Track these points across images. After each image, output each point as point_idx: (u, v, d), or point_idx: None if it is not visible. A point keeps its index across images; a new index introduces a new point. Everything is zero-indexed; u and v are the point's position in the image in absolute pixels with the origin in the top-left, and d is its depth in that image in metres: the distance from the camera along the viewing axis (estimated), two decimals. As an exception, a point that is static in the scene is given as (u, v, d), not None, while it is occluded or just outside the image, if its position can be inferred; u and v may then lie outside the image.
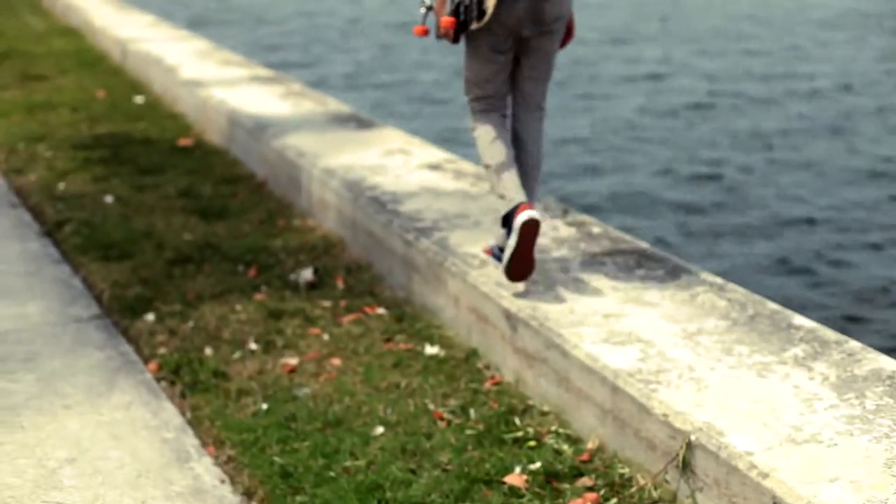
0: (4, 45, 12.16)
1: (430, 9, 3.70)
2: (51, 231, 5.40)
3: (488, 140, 3.83)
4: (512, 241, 3.65)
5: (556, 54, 3.91)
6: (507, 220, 3.73)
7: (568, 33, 3.93)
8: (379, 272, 4.74)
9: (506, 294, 3.82)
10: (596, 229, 4.54)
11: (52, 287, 4.68)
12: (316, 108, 6.92)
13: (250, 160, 6.40)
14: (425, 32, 3.69)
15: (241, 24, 25.66)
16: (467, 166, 5.52)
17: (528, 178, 3.88)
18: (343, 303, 4.47)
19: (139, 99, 8.70)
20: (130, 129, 7.54)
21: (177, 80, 8.30)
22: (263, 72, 8.51)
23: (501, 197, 3.76)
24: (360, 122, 6.50)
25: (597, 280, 3.94)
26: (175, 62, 8.95)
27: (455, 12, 3.63)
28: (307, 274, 4.68)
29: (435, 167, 5.47)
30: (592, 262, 4.14)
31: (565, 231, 4.50)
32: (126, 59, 10.37)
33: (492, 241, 4.10)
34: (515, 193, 3.72)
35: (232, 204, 5.73)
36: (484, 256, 4.13)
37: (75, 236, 5.24)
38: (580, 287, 3.87)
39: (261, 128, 6.34)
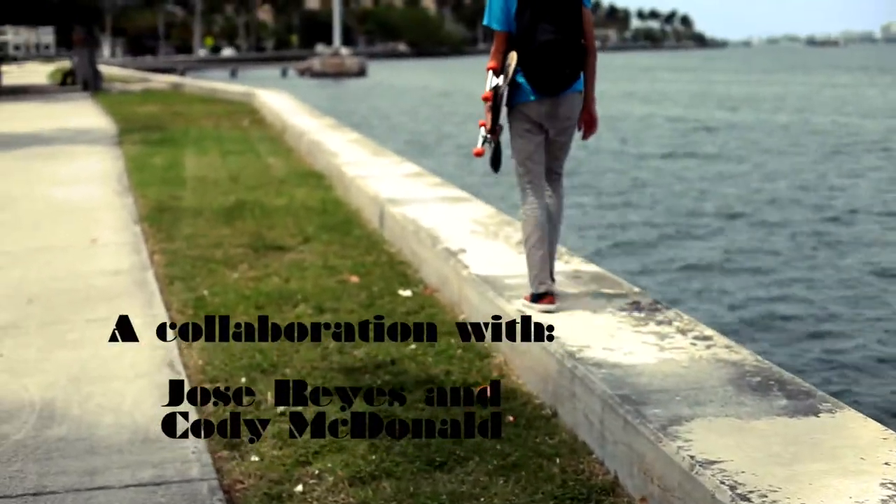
0: (239, 195, 10.17)
1: (487, 140, 4.90)
2: None
3: (532, 221, 5.03)
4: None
5: (570, 144, 5.18)
6: (535, 298, 5.01)
7: (591, 125, 5.20)
8: None
9: None
10: None
11: None
12: (719, 357, 4.28)
13: (608, 451, 3.80)
14: (482, 154, 4.91)
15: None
16: None
17: (554, 231, 5.12)
18: None
19: (406, 293, 6.31)
20: (401, 355, 5.09)
21: (461, 270, 5.86)
22: (584, 265, 5.97)
23: (531, 268, 5.02)
24: (775, 383, 3.80)
25: None
26: (456, 242, 6.54)
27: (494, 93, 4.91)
28: None
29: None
30: None
31: None
32: (384, 225, 8.09)
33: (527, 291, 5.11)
34: (541, 271, 4.99)
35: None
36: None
37: None
38: None
39: (633, 402, 3.74)
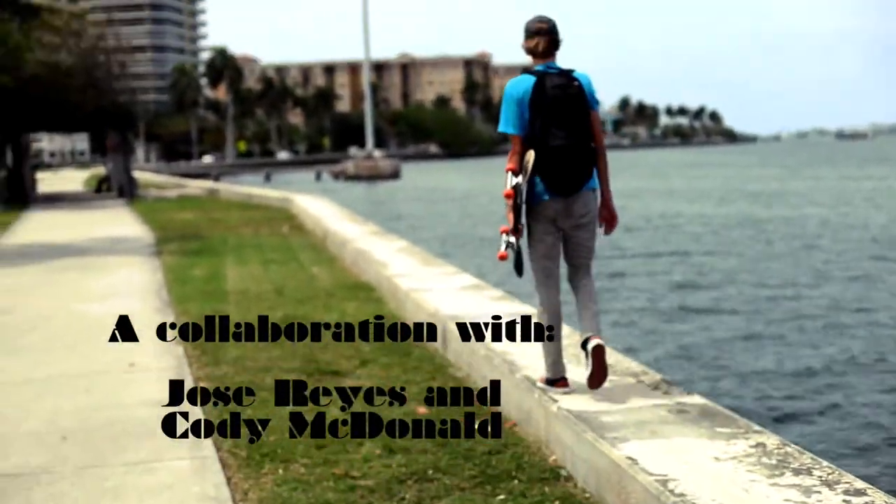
0: (286, 310, 9.57)
1: (510, 245, 5.21)
2: None
3: (548, 316, 5.42)
4: (590, 365, 5.16)
5: (594, 240, 5.39)
6: (550, 382, 5.43)
7: (611, 220, 5.48)
8: None
9: None
10: None
11: None
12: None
13: None
14: (506, 258, 5.20)
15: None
16: None
17: (589, 314, 5.30)
18: None
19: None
20: (489, 509, 4.40)
21: (548, 405, 5.18)
22: (687, 397, 5.28)
23: (548, 355, 5.44)
24: None
25: None
26: (536, 369, 5.87)
27: (515, 190, 5.24)
28: None
29: None
30: None
31: None
32: (448, 347, 7.44)
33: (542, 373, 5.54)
34: (558, 357, 5.44)
35: None
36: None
37: None
38: None
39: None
